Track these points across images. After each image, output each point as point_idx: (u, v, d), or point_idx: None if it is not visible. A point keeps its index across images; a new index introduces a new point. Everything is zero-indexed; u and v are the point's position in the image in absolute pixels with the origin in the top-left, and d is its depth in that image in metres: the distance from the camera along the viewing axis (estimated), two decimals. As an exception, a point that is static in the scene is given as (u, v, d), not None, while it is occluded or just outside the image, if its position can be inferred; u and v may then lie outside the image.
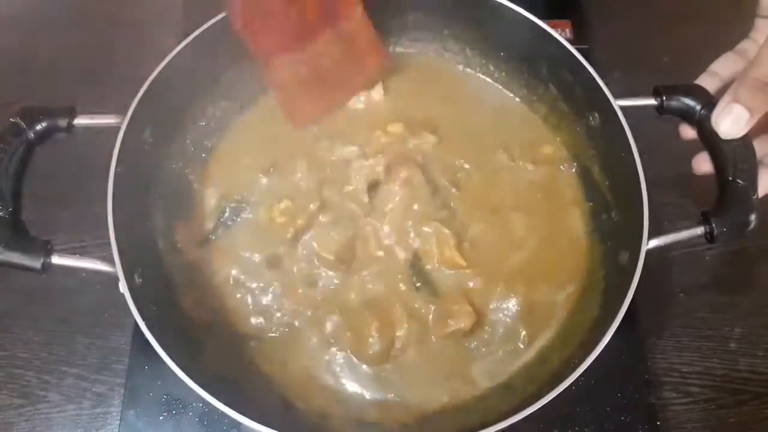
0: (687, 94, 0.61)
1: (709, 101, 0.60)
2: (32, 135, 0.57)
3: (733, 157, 0.57)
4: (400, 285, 0.65)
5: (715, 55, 0.65)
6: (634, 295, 0.55)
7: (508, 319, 0.64)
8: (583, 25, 0.86)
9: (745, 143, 0.57)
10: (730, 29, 0.66)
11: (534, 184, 0.71)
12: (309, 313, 0.64)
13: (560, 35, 0.66)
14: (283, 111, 0.69)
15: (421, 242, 0.66)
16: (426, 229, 0.66)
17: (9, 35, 0.84)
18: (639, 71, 0.80)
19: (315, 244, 0.65)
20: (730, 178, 0.57)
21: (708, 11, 0.91)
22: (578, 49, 0.65)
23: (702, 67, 0.65)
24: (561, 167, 0.72)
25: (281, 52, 0.64)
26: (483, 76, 0.77)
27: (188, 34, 0.63)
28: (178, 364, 0.51)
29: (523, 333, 0.64)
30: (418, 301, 0.64)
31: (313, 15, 0.63)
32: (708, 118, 0.58)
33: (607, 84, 0.63)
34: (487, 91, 0.76)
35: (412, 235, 0.66)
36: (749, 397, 0.68)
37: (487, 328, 0.64)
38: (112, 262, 0.54)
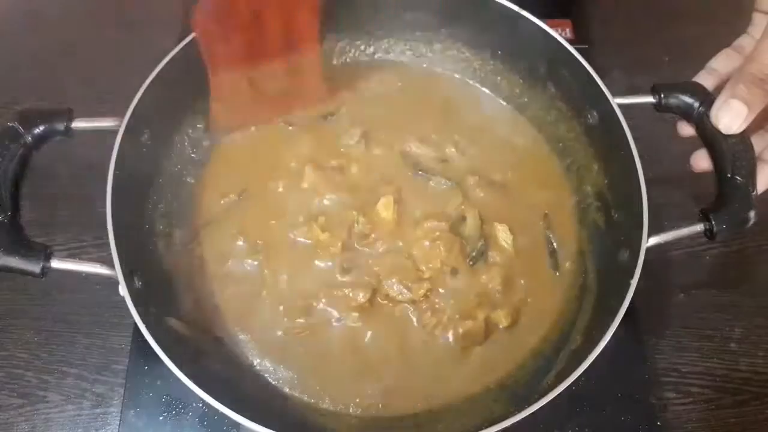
0: (685, 92, 0.61)
1: (707, 98, 0.60)
2: (30, 139, 0.57)
3: (731, 154, 0.57)
4: None
5: (715, 54, 0.65)
6: (634, 295, 0.55)
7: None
8: (583, 25, 0.86)
9: (743, 140, 0.57)
10: (730, 28, 0.66)
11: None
12: None
13: (560, 35, 0.66)
14: (211, 113, 0.69)
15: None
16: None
17: (5, 36, 0.84)
18: (639, 71, 0.80)
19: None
20: (729, 175, 0.57)
21: (708, 11, 0.91)
22: (578, 49, 0.65)
23: (702, 67, 0.65)
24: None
25: (231, 65, 0.65)
26: (479, 76, 0.77)
27: (186, 35, 0.63)
28: (177, 365, 0.51)
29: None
30: None
31: (273, 40, 0.65)
32: (706, 115, 0.58)
33: (606, 84, 0.63)
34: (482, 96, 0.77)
35: None
36: (750, 397, 0.68)
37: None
38: (111, 265, 0.54)
